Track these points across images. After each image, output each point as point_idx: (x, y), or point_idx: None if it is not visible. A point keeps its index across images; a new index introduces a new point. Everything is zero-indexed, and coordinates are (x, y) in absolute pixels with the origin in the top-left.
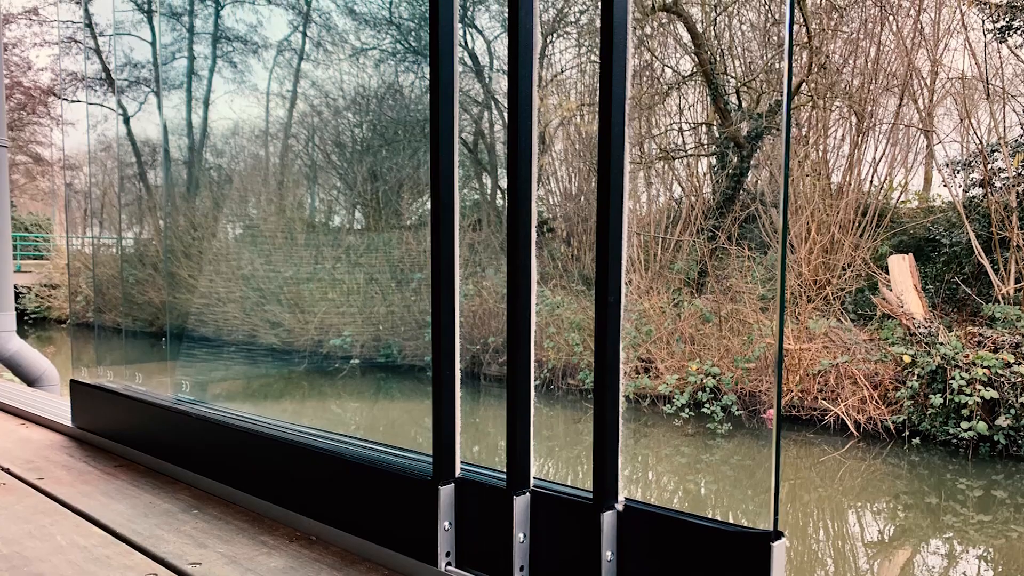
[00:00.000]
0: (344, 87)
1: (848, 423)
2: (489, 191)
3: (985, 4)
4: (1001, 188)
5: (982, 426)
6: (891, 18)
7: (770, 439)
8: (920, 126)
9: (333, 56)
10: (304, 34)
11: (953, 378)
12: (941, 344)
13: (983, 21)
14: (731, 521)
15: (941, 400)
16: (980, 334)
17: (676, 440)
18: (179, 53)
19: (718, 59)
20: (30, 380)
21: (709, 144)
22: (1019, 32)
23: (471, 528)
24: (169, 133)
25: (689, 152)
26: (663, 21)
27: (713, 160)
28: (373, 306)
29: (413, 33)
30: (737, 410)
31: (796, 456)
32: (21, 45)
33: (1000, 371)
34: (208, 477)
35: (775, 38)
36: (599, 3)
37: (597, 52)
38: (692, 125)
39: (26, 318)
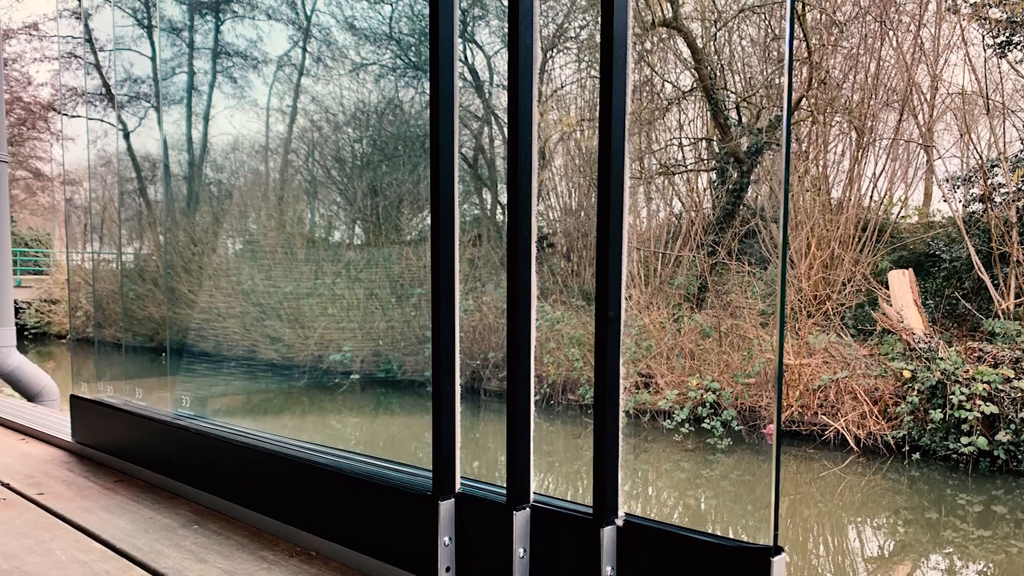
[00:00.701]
0: (344, 102)
1: (848, 438)
2: (489, 206)
3: (985, 19)
4: (1001, 203)
5: (982, 441)
6: (891, 33)
7: (770, 454)
8: (920, 141)
9: (333, 71)
10: (304, 49)
11: (953, 393)
12: (941, 359)
13: (983, 36)
14: (731, 536)
15: (941, 415)
16: (980, 349)
17: (676, 455)
18: (179, 68)
19: (718, 74)
20: (30, 395)
21: (709, 159)
22: (1019, 47)
23: (471, 543)
24: (169, 148)
25: (689, 167)
26: (663, 36)
27: (713, 175)
28: (373, 321)
29: (413, 48)
30: (737, 425)
31: (796, 471)
32: (21, 60)
33: (1000, 386)
34: (208, 492)
35: (775, 53)
36: (599, 18)
37: (597, 67)
38: (692, 140)
39: (26, 333)
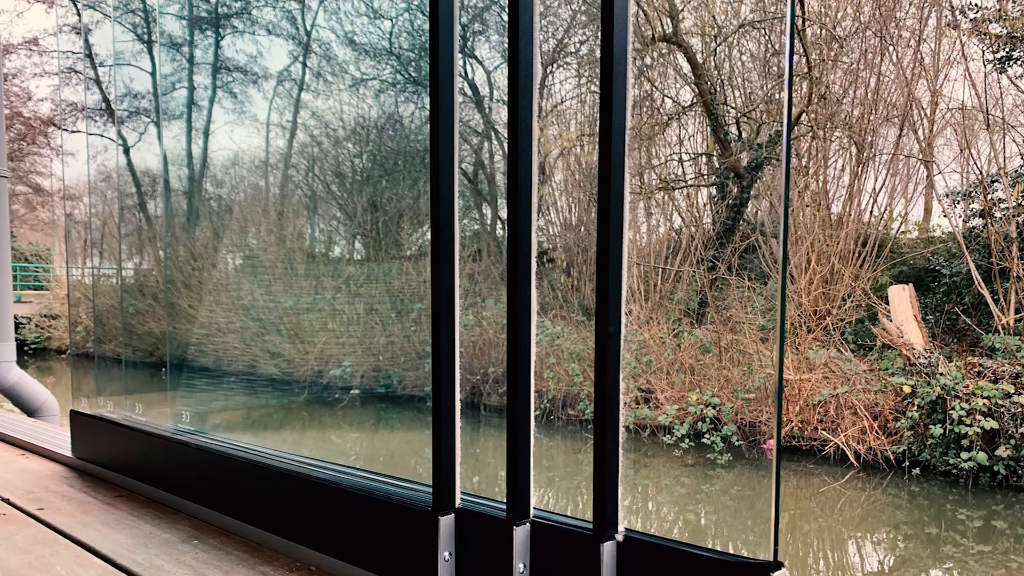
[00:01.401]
0: (344, 117)
1: (848, 453)
2: (489, 221)
3: (985, 34)
4: (1001, 218)
5: (982, 456)
6: (891, 48)
7: (770, 469)
8: (920, 156)
9: (333, 86)
10: (304, 64)
11: (953, 408)
12: (941, 374)
13: (983, 51)
14: (731, 551)
15: (941, 430)
16: (980, 364)
17: (676, 470)
18: (179, 83)
19: (718, 89)
20: (30, 410)
21: (709, 174)
22: (1019, 62)
23: (471, 559)
24: (169, 163)
25: (689, 182)
26: (663, 51)
27: (713, 190)
28: (373, 336)
29: (413, 63)
30: (737, 440)
31: (796, 486)
32: (21, 75)
33: (1000, 401)
34: (208, 507)
35: (775, 68)
36: (599, 33)
37: (597, 82)
38: (692, 155)
39: (26, 348)
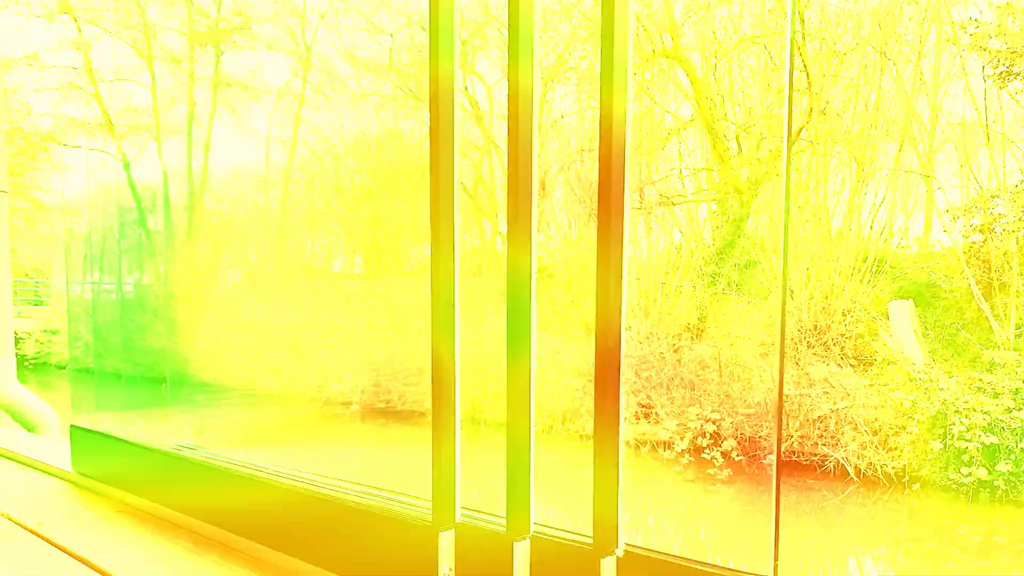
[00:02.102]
0: (344, 132)
1: (848, 468)
2: (489, 236)
3: (985, 50)
4: (1001, 233)
5: (982, 471)
6: (891, 63)
7: (770, 484)
8: (920, 171)
9: (333, 101)
10: (304, 79)
11: (953, 423)
12: (941, 389)
13: (983, 66)
14: (731, 567)
15: (941, 445)
16: (980, 379)
17: (676, 485)
18: (179, 98)
19: (718, 104)
20: (30, 425)
21: (709, 189)
22: (1019, 77)
23: (471, 574)
24: (169, 178)
25: (689, 197)
26: (663, 66)
27: (713, 205)
28: (373, 351)
29: (413, 78)
30: (737, 455)
31: (796, 501)
32: (21, 91)
33: (1000, 416)
34: (208, 523)
35: (775, 83)
36: (599, 49)
37: (597, 97)
38: (692, 170)
39: (26, 363)
